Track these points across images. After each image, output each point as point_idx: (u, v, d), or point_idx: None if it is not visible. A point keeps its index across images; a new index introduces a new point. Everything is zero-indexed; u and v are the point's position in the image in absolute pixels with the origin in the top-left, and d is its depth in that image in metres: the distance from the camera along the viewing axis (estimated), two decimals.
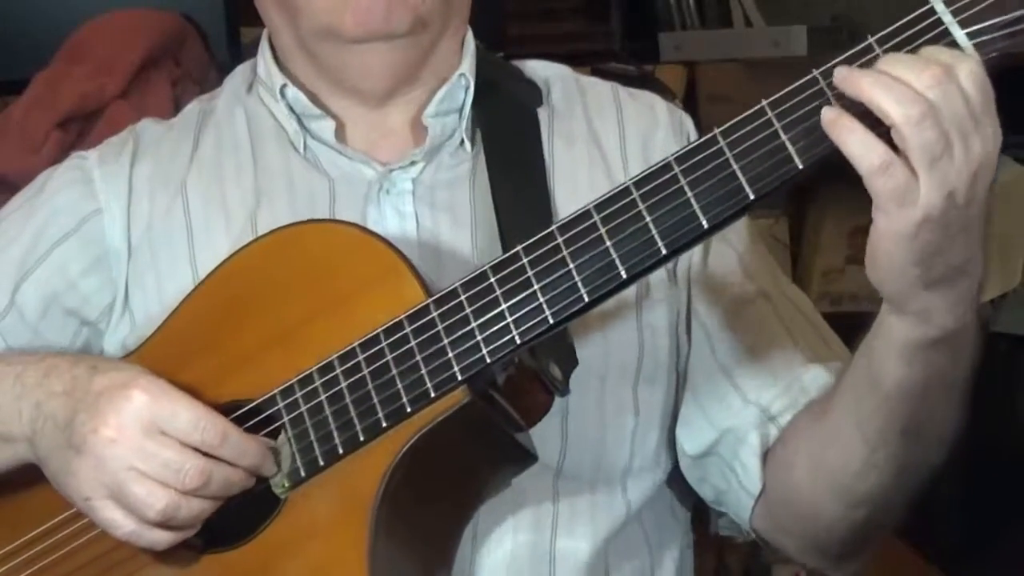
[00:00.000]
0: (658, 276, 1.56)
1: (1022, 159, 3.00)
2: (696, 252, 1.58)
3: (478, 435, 1.39)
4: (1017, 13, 1.23)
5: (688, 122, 1.66)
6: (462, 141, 1.59)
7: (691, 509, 1.67)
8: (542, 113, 1.62)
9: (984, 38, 1.24)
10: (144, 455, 1.36)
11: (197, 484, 1.37)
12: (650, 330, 1.56)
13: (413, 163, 1.57)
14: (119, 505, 1.38)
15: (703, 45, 3.20)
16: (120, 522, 1.39)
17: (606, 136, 1.62)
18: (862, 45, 1.26)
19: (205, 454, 1.38)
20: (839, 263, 2.99)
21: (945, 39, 1.24)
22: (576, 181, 1.57)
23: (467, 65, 1.60)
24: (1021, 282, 2.94)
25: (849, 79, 1.24)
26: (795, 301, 1.61)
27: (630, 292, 1.53)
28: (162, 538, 1.39)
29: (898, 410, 1.37)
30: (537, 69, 1.69)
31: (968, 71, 1.22)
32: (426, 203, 1.56)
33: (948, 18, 1.24)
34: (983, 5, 1.23)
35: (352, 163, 1.58)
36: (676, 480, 1.62)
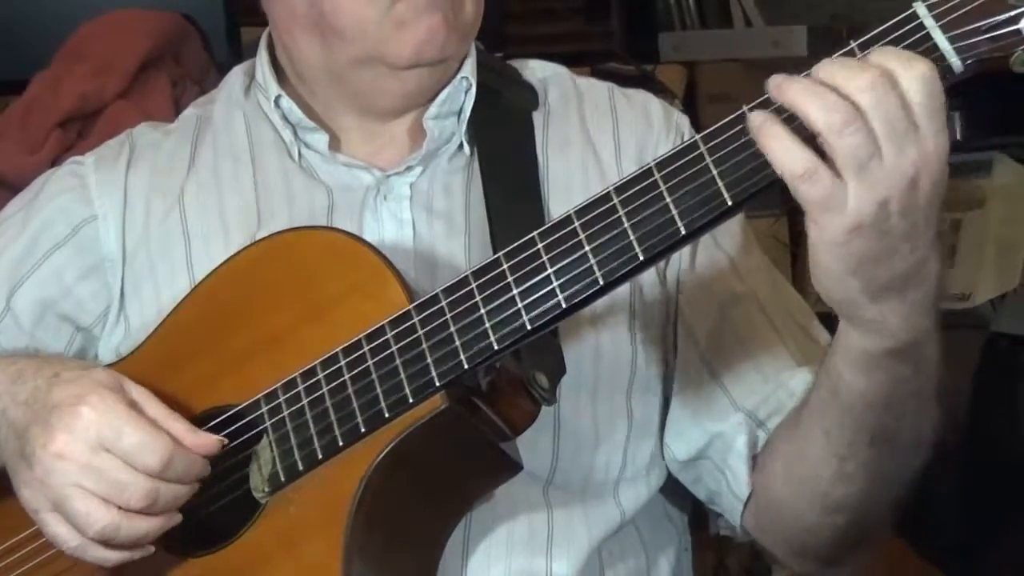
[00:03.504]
0: (651, 281, 1.56)
1: (1022, 159, 3.00)
2: (685, 254, 1.57)
3: (458, 442, 1.39)
4: (1000, 17, 1.22)
5: (684, 123, 1.66)
6: (461, 145, 1.59)
7: (688, 511, 1.67)
8: (537, 117, 1.62)
9: (966, 42, 1.23)
10: (89, 472, 1.36)
11: (141, 505, 1.37)
12: (643, 336, 1.56)
13: (410, 168, 1.57)
14: (64, 520, 1.38)
15: (703, 45, 3.20)
16: (65, 536, 1.39)
17: (601, 140, 1.62)
18: (844, 50, 1.25)
19: None
20: None
21: (927, 43, 1.23)
22: (570, 186, 1.57)
23: (469, 67, 1.60)
24: (1021, 282, 2.94)
25: (780, 87, 1.23)
26: (787, 303, 1.60)
27: (623, 298, 1.54)
28: (108, 556, 1.39)
29: (863, 420, 1.37)
30: (535, 70, 1.69)
31: (914, 75, 1.20)
32: (423, 209, 1.57)
33: (930, 22, 1.23)
34: (966, 9, 1.22)
35: (349, 170, 1.59)
36: (670, 483, 1.62)
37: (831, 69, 1.21)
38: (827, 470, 1.42)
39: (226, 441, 1.42)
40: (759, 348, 1.54)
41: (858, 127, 1.19)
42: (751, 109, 1.26)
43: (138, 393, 1.42)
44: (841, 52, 1.25)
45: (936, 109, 1.22)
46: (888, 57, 1.21)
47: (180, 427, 1.40)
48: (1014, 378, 2.92)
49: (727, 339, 1.55)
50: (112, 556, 1.39)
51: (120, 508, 1.37)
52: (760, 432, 1.53)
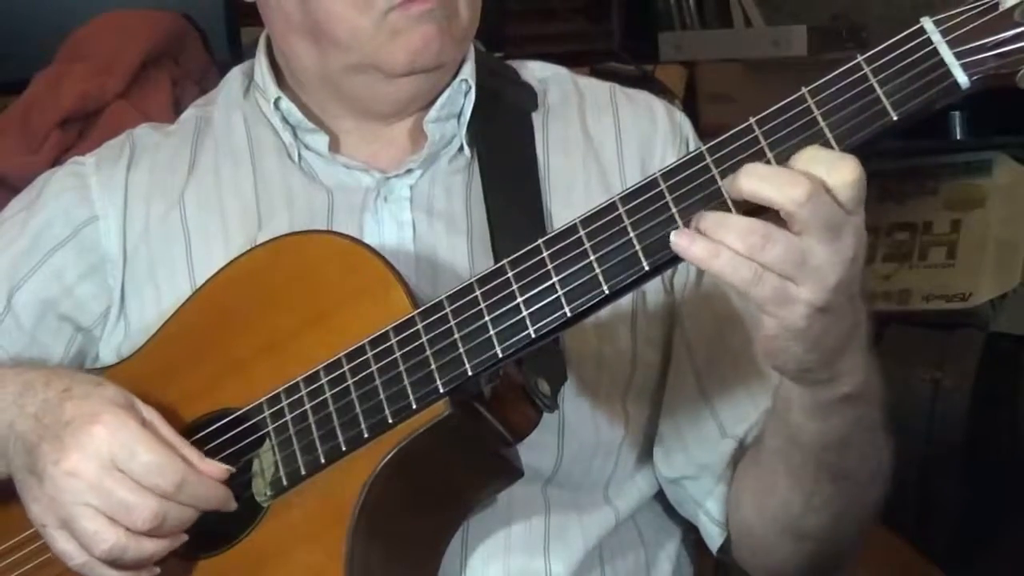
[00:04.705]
0: (655, 288, 1.56)
1: (1022, 159, 3.00)
2: (693, 267, 1.57)
3: (461, 448, 1.39)
4: (1007, 34, 1.22)
5: (686, 124, 1.66)
6: (461, 147, 1.59)
7: None
8: (537, 117, 1.62)
9: (973, 58, 1.23)
10: (99, 491, 1.36)
11: (148, 527, 1.36)
12: (644, 341, 1.56)
13: (410, 170, 1.57)
14: (71, 537, 1.38)
15: (703, 45, 3.19)
16: (72, 553, 1.39)
17: (603, 141, 1.61)
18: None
19: None
20: None
21: (933, 59, 1.24)
22: (571, 188, 1.57)
23: (468, 69, 1.60)
24: (1021, 282, 2.94)
25: (708, 221, 1.24)
26: None
27: (625, 304, 1.54)
28: (113, 575, 1.39)
29: (825, 460, 1.41)
30: (535, 71, 1.69)
31: (843, 182, 1.23)
32: (423, 211, 1.57)
33: (937, 37, 1.24)
34: (973, 26, 1.23)
35: (349, 172, 1.59)
36: None
37: (757, 183, 1.23)
38: (795, 505, 1.46)
39: (233, 470, 1.42)
40: (753, 372, 1.55)
41: (775, 240, 1.22)
42: (757, 119, 1.27)
43: (148, 413, 1.42)
44: (848, 66, 1.25)
45: (863, 194, 1.25)
46: (814, 163, 1.23)
47: (190, 451, 1.40)
48: (1014, 378, 2.92)
49: (724, 360, 1.56)
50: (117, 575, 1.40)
51: (127, 529, 1.36)
52: None
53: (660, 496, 1.61)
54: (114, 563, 1.38)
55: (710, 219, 1.24)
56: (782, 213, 1.23)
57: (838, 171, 1.23)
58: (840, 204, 1.23)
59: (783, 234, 1.22)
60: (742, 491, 1.53)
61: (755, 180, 1.23)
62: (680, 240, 1.25)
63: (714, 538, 1.57)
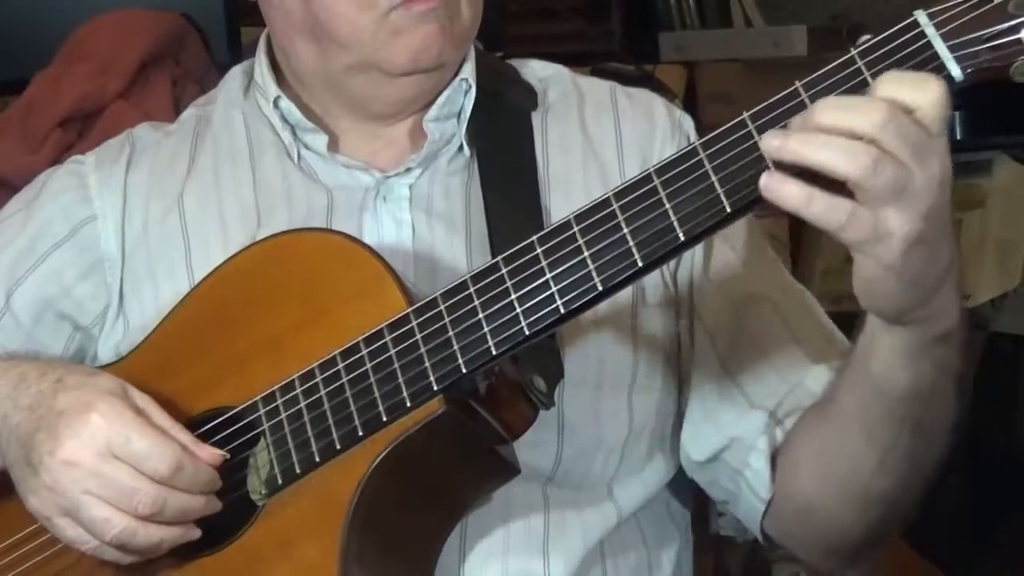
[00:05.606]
0: (654, 283, 1.56)
1: (1022, 159, 3.00)
2: (698, 256, 1.57)
3: (455, 446, 1.39)
4: (1001, 26, 1.22)
5: (687, 122, 1.66)
6: (461, 146, 1.59)
7: (691, 509, 1.67)
8: (537, 118, 1.62)
9: (967, 51, 1.23)
10: (99, 479, 1.37)
11: (150, 511, 1.37)
12: (645, 337, 1.56)
13: (409, 170, 1.57)
14: (78, 523, 1.39)
15: (703, 45, 3.20)
16: (83, 538, 1.40)
17: (603, 140, 1.61)
18: (844, 57, 1.25)
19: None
20: (839, 262, 2.99)
21: (927, 52, 1.24)
22: (570, 188, 1.57)
23: (469, 69, 1.60)
24: (1021, 282, 2.94)
25: (784, 147, 1.22)
26: (799, 301, 1.60)
27: (624, 299, 1.53)
28: (125, 557, 1.40)
29: (908, 411, 1.37)
30: (536, 70, 1.69)
31: (931, 100, 1.21)
32: (423, 210, 1.57)
33: (931, 31, 1.23)
34: (967, 18, 1.23)
35: (349, 171, 1.59)
36: (674, 481, 1.62)
37: (835, 113, 1.21)
38: (868, 465, 1.41)
39: (227, 455, 1.42)
40: (775, 348, 1.54)
41: (886, 161, 1.19)
42: (751, 114, 1.26)
43: (143, 400, 1.42)
44: (842, 60, 1.25)
45: (945, 116, 1.22)
46: (901, 85, 1.21)
47: (185, 437, 1.41)
48: (1014, 378, 2.92)
49: (744, 340, 1.55)
50: (130, 556, 1.40)
51: (131, 514, 1.37)
52: (778, 431, 1.52)
53: (663, 496, 1.61)
54: (123, 547, 1.39)
55: (802, 138, 1.21)
56: (865, 140, 1.19)
57: (924, 90, 1.21)
58: (924, 126, 1.21)
59: (894, 159, 1.19)
60: (800, 459, 1.49)
61: (833, 111, 1.21)
62: (771, 182, 1.21)
63: (756, 509, 1.53)
